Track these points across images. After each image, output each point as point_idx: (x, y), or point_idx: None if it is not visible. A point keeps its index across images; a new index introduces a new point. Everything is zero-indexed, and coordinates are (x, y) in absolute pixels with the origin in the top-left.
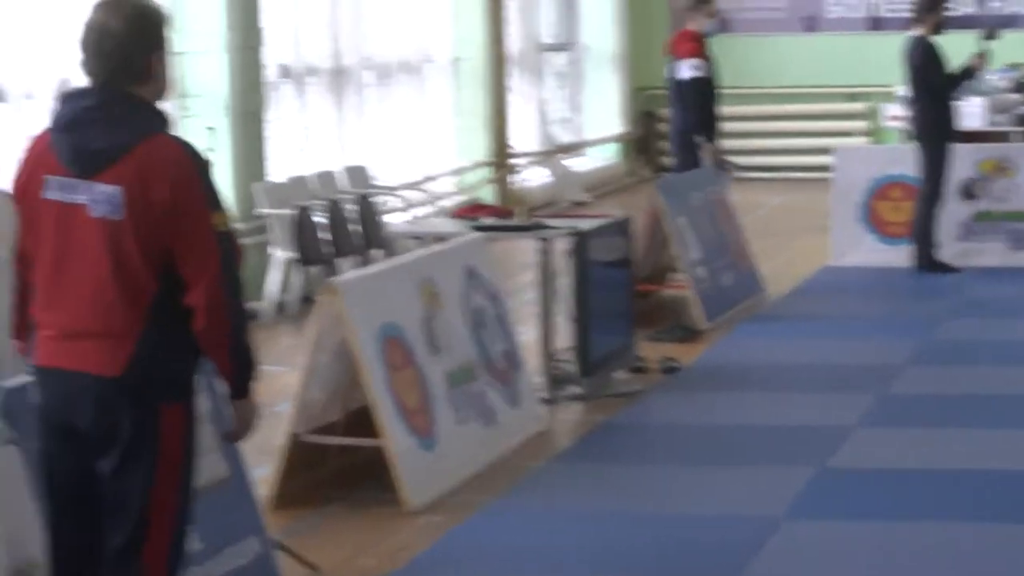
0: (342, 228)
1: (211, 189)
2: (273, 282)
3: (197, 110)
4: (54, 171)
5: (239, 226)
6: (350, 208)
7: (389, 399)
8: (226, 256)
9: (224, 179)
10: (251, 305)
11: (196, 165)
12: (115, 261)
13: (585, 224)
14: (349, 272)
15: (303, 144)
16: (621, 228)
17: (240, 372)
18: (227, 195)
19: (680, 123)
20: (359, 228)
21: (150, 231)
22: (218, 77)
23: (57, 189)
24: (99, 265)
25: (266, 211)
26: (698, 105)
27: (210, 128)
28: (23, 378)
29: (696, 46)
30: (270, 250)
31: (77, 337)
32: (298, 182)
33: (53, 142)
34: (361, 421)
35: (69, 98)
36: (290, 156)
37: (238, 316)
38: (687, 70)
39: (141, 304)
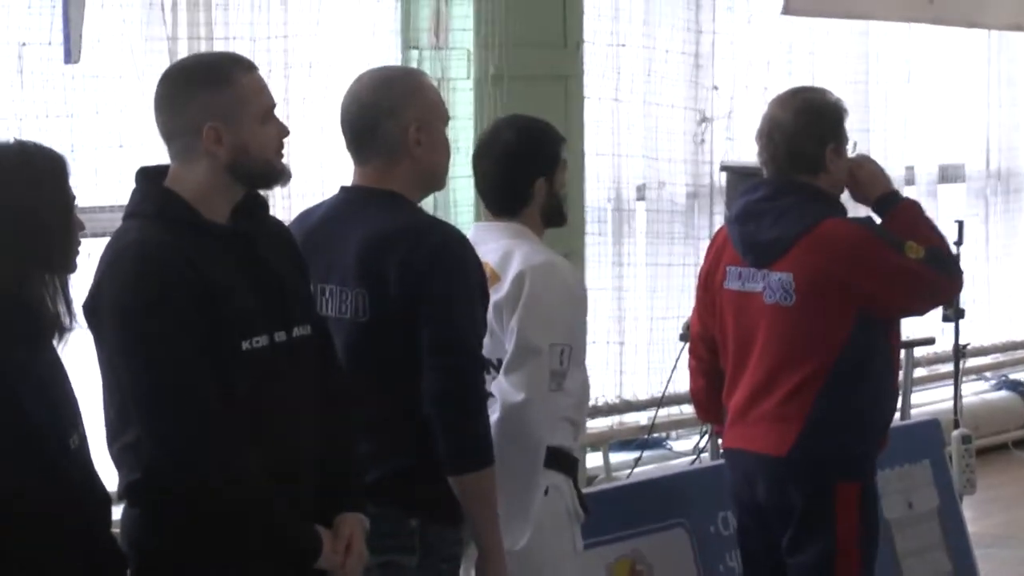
0: None
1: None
2: None
3: None
4: (733, 261)
5: None
6: None
7: None
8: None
9: None
10: None
11: (874, 236)
12: (787, 346)
13: None
14: None
15: None
16: None
17: None
18: None
19: None
20: None
21: (826, 313)
22: None
23: (736, 279)
24: (771, 351)
25: None
26: None
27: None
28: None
29: None
30: None
31: (752, 420)
32: None
33: (730, 233)
34: None
35: (745, 191)
36: None
37: None
38: None
39: (810, 386)
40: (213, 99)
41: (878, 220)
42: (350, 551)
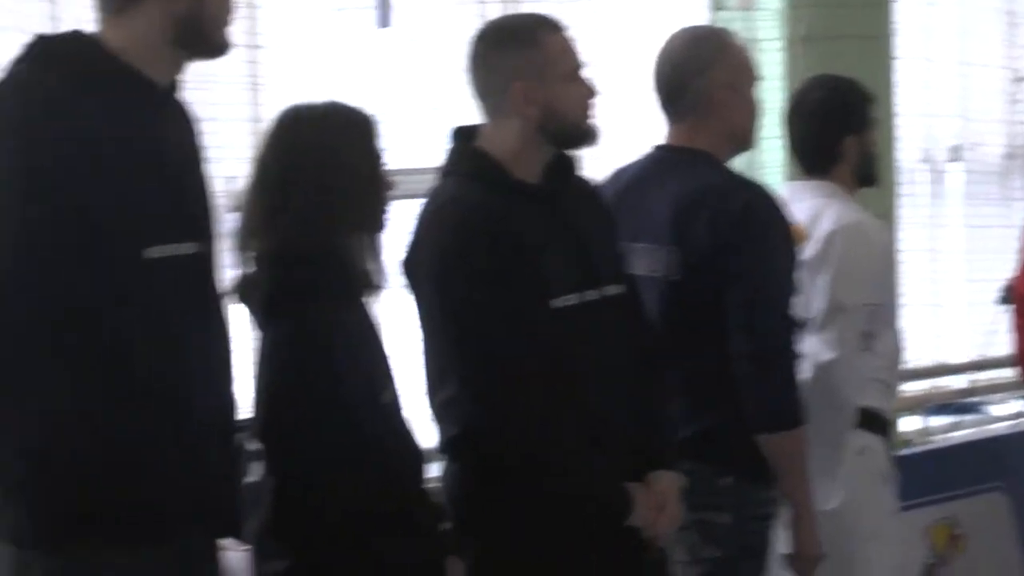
0: None
1: None
2: None
3: None
4: None
5: None
6: None
7: None
8: None
9: None
10: None
11: None
12: None
13: None
14: None
15: None
16: None
17: None
18: None
19: None
20: None
21: None
22: None
23: None
24: None
25: None
26: None
27: None
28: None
29: None
30: None
31: None
32: None
33: None
34: None
35: None
36: None
37: None
38: None
39: None
40: (521, 59)
41: None
42: (664, 510)
